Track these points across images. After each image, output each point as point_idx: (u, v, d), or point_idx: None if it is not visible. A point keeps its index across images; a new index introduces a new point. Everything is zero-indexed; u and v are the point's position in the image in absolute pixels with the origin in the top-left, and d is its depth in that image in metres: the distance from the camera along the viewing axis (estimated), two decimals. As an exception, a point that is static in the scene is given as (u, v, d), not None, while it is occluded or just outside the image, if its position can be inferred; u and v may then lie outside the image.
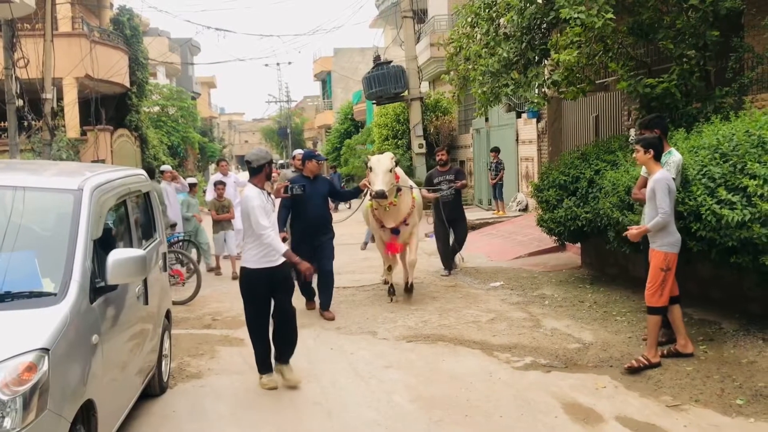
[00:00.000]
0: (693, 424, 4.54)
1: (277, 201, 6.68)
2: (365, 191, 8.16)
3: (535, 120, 14.93)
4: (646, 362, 5.56)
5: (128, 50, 23.74)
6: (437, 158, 10.12)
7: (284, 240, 6.90)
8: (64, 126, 19.13)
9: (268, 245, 5.35)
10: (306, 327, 6.99)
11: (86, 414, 3.36)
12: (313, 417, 4.97)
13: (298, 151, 9.94)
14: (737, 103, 7.59)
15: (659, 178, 5.49)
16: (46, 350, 2.98)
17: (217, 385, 5.77)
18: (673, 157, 5.89)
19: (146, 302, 4.72)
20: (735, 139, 5.70)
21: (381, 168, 7.74)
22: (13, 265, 3.45)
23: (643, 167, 5.98)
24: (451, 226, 9.93)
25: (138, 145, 24.95)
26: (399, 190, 8.05)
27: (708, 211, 5.47)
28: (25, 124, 14.65)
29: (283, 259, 5.50)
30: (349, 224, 9.81)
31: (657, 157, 5.68)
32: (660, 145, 5.77)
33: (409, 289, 8.47)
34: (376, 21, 38.06)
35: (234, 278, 10.16)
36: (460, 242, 10.17)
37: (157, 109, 31.80)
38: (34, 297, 3.31)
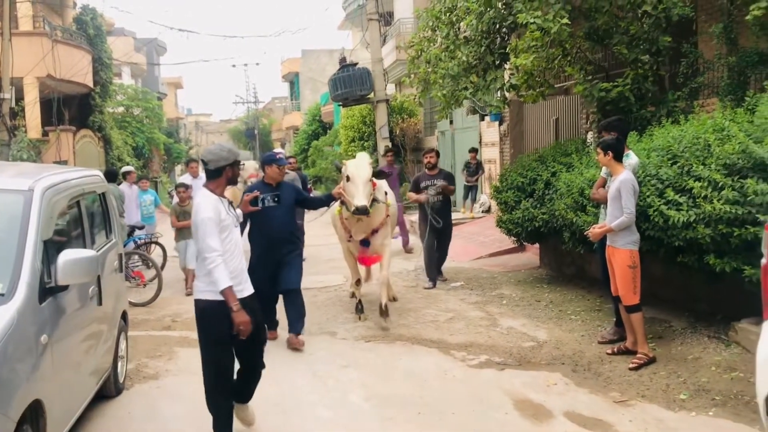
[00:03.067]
0: (638, 419, 4.68)
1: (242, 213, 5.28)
2: (338, 200, 7.05)
3: (497, 123, 15.12)
4: (645, 358, 5.69)
5: (91, 50, 23.42)
6: (425, 161, 9.47)
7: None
8: (24, 126, 18.81)
9: (210, 272, 4.11)
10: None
11: (34, 414, 3.36)
12: (268, 417, 5.00)
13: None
14: (689, 106, 7.82)
15: (624, 179, 5.63)
16: (-10, 350, 2.99)
17: (175, 387, 5.77)
18: (631, 159, 6.04)
19: (100, 303, 4.71)
20: (683, 142, 5.89)
21: (361, 177, 6.77)
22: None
23: (603, 168, 6.14)
24: (437, 238, 9.39)
25: (101, 146, 24.63)
26: (375, 200, 7.06)
27: (656, 212, 5.65)
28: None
29: (250, 289, 4.42)
30: (312, 226, 9.84)
31: (618, 158, 5.81)
32: (620, 147, 5.91)
33: (384, 311, 7.24)
34: (343, 23, 38.14)
35: (188, 294, 9.08)
36: (444, 251, 9.69)
37: (121, 109, 31.42)
38: (-18, 297, 3.31)
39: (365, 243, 7.36)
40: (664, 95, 8.25)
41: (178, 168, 43.71)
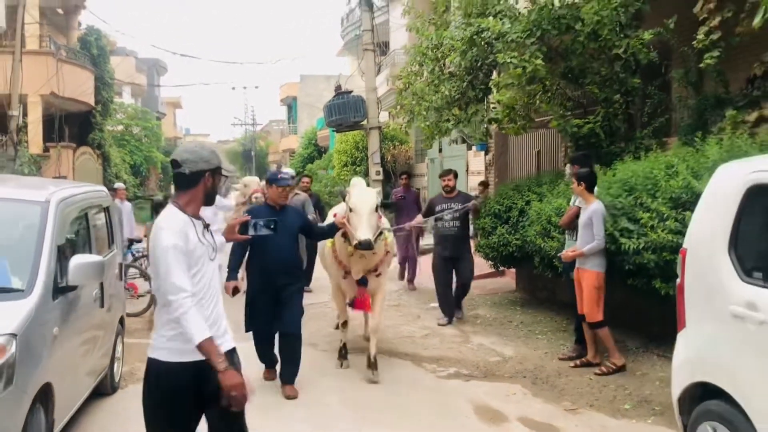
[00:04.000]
0: (583, 425, 5.19)
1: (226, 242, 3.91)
2: (340, 231, 6.19)
3: (483, 152, 15.73)
4: (613, 367, 6.25)
5: (95, 70, 24.12)
6: (443, 184, 8.74)
7: (236, 291, 5.70)
8: (26, 142, 19.38)
9: (179, 321, 2.96)
10: (248, 339, 6.07)
11: (45, 395, 3.86)
12: (250, 414, 5.47)
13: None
14: (656, 144, 8.43)
15: (596, 208, 6.24)
16: (14, 335, 3.50)
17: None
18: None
19: (102, 305, 5.24)
20: (638, 176, 6.47)
21: (366, 209, 5.93)
22: (-14, 265, 3.97)
23: (575, 198, 6.74)
24: (455, 266, 8.60)
25: (100, 163, 25.21)
26: (381, 233, 6.23)
27: (609, 238, 6.22)
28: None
29: (230, 342, 3.24)
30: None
31: (590, 189, 6.42)
32: (592, 179, 6.52)
33: (373, 363, 6.36)
34: (341, 50, 39.00)
35: None
36: (465, 284, 8.77)
37: (120, 128, 32.07)
38: (3, 292, 3.83)
39: (363, 281, 6.45)
40: (633, 132, 8.88)
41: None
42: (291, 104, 52.52)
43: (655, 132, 8.59)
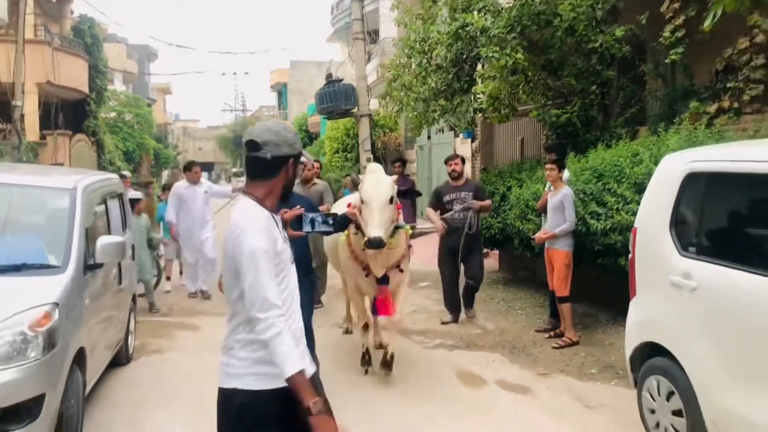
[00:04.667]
0: (553, 386, 5.81)
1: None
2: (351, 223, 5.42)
3: (470, 140, 16.29)
4: (569, 341, 6.85)
5: (88, 58, 24.46)
6: (449, 169, 7.93)
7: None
8: (24, 130, 19.77)
9: (269, 345, 2.46)
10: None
11: (80, 358, 4.42)
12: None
13: (311, 157, 8.25)
14: (629, 133, 9.01)
15: (567, 193, 6.84)
16: (56, 304, 4.05)
17: (175, 359, 6.83)
18: (564, 174, 7.24)
19: (120, 282, 5.80)
20: (607, 163, 7.06)
21: (379, 201, 5.22)
22: (25, 245, 4.51)
23: (548, 184, 7.32)
24: (464, 261, 7.88)
25: (95, 150, 25.61)
26: (398, 227, 5.55)
27: (580, 221, 6.81)
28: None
29: (311, 364, 2.65)
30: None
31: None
32: (562, 165, 7.15)
33: (389, 362, 5.99)
34: (331, 37, 39.36)
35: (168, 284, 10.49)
36: (476, 279, 8.01)
37: (113, 114, 32.41)
38: (43, 268, 4.38)
39: (383, 280, 5.72)
40: (608, 122, 9.46)
41: (165, 173, 44.60)
42: (281, 90, 52.82)
43: (628, 121, 9.15)
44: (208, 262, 9.83)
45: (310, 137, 38.15)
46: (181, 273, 10.87)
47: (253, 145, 2.62)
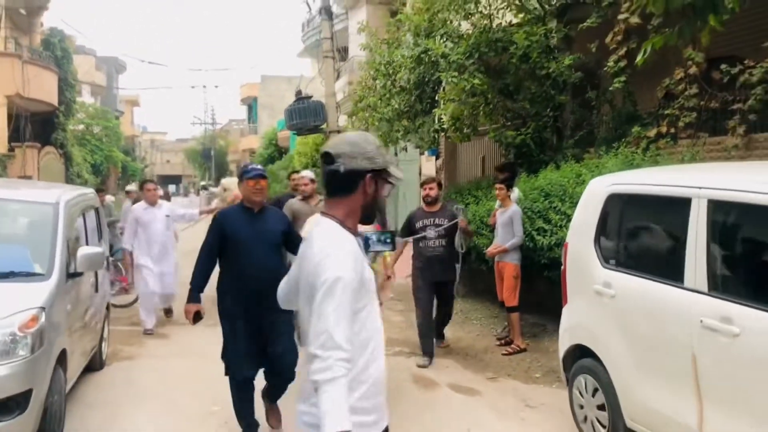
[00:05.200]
0: (500, 389, 6.32)
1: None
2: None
3: (434, 157, 16.88)
4: (517, 348, 7.35)
5: (58, 71, 24.62)
6: (423, 194, 7.29)
7: (198, 317, 4.73)
8: (-7, 142, 19.92)
9: (319, 389, 2.10)
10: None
11: (62, 358, 4.80)
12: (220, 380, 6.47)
13: (307, 173, 7.78)
14: (578, 154, 9.62)
15: (516, 210, 7.40)
16: (43, 308, 4.43)
17: (146, 365, 7.19)
18: (514, 193, 7.80)
19: (97, 290, 6.17)
20: (553, 183, 7.64)
21: None
22: (12, 254, 4.89)
23: (498, 201, 7.86)
24: (438, 292, 7.25)
25: (63, 162, 25.69)
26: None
27: (528, 237, 7.36)
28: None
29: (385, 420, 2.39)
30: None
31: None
32: (512, 185, 7.71)
33: None
34: (302, 52, 39.89)
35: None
36: (448, 313, 7.60)
37: (81, 127, 32.46)
38: (29, 276, 4.76)
39: None
40: (561, 143, 10.07)
41: (130, 186, 44.62)
42: (251, 104, 53.09)
43: (579, 143, 9.78)
44: (167, 296, 8.96)
45: (280, 152, 38.54)
46: (135, 301, 9.56)
47: (327, 158, 2.35)
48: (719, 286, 3.64)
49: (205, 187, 54.55)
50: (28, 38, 26.09)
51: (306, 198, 7.54)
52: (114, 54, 61.48)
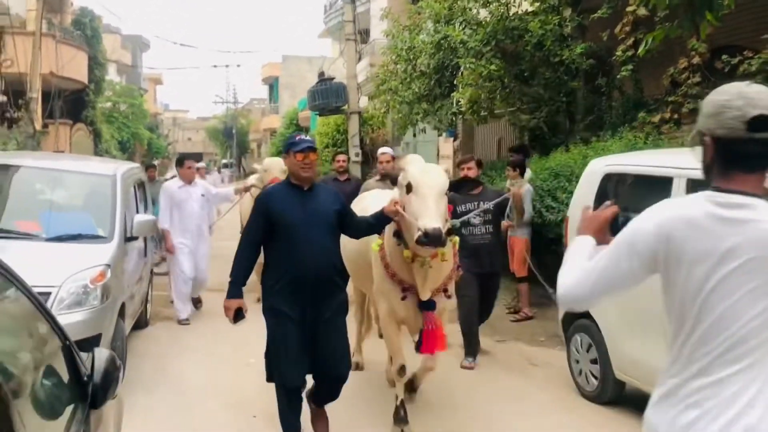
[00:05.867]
0: (507, 350, 6.98)
1: None
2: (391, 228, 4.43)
3: (452, 139, 17.43)
4: (525, 315, 8.00)
5: (88, 50, 25.39)
6: (462, 172, 6.30)
7: (240, 315, 4.13)
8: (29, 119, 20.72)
9: None
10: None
11: (122, 311, 5.52)
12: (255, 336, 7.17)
13: (387, 150, 7.41)
14: (589, 137, 10.16)
15: (528, 189, 7.97)
16: (108, 265, 5.14)
17: (185, 325, 7.91)
18: (526, 174, 8.38)
19: (145, 255, 6.89)
20: (562, 164, 8.21)
21: (434, 189, 4.14)
22: (78, 220, 5.61)
23: (509, 180, 8.45)
24: (484, 285, 6.39)
25: (92, 139, 26.56)
26: (451, 231, 4.52)
27: (537, 214, 7.96)
28: (7, 116, 16.33)
29: None
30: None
31: (522, 174, 8.16)
32: (524, 166, 8.27)
33: (414, 388, 5.12)
34: (324, 33, 40.38)
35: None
36: (488, 309, 6.86)
37: (109, 105, 33.30)
38: (94, 238, 5.46)
39: (428, 305, 4.48)
40: (573, 127, 10.61)
41: (156, 163, 45.57)
42: (273, 84, 53.64)
43: (589, 127, 10.31)
44: (198, 282, 8.23)
45: (300, 131, 39.21)
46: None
47: (759, 123, 1.81)
48: (693, 252, 4.23)
49: (226, 165, 55.43)
50: (59, 17, 26.84)
51: (384, 177, 6.38)
52: (138, 32, 62.20)
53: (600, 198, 5.21)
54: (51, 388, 2.10)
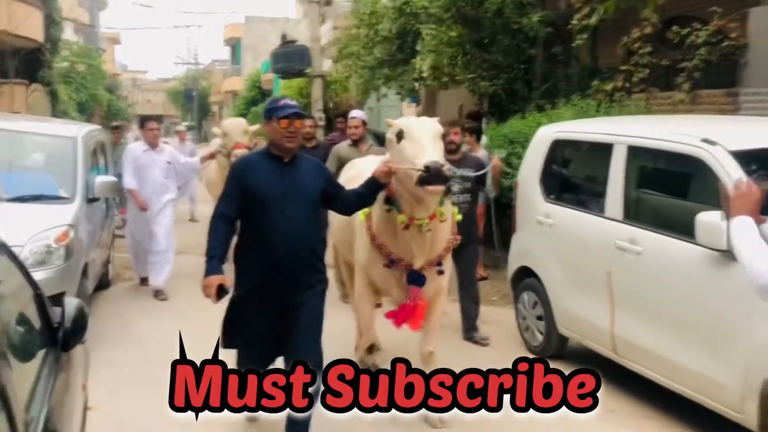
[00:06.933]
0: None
1: None
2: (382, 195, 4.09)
3: (414, 104, 17.59)
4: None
5: (43, 8, 24.70)
6: (447, 140, 5.26)
7: (223, 291, 3.65)
8: (-20, 78, 20.23)
9: None
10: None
11: (85, 271, 5.64)
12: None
13: (358, 113, 7.15)
14: (545, 104, 10.42)
15: (483, 155, 8.17)
16: (72, 225, 5.25)
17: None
18: (482, 140, 8.62)
19: (107, 216, 6.98)
20: (516, 131, 8.46)
21: (427, 132, 3.87)
22: (40, 181, 5.68)
23: (465, 146, 8.68)
24: (461, 255, 5.76)
25: (49, 100, 25.99)
26: (448, 191, 4.22)
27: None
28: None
29: None
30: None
31: (478, 140, 8.39)
32: (480, 132, 8.50)
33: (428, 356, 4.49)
34: (287, -6, 39.81)
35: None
36: (470, 278, 6.37)
37: (66, 65, 32.52)
38: (56, 199, 5.55)
39: (417, 279, 4.19)
40: (530, 93, 10.86)
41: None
42: (235, 45, 52.84)
43: (546, 94, 10.57)
44: (159, 255, 7.37)
45: (263, 94, 38.79)
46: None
47: None
48: (630, 214, 4.53)
49: (190, 128, 54.69)
50: (13, -27, 26.01)
51: (356, 142, 6.76)
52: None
53: (548, 163, 5.48)
54: (24, 334, 2.27)
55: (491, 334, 6.37)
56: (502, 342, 6.12)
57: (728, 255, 3.63)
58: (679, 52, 8.40)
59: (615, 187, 4.60)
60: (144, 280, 7.74)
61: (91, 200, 5.96)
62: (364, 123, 6.89)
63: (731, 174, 3.77)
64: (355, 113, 7.17)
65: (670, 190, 4.55)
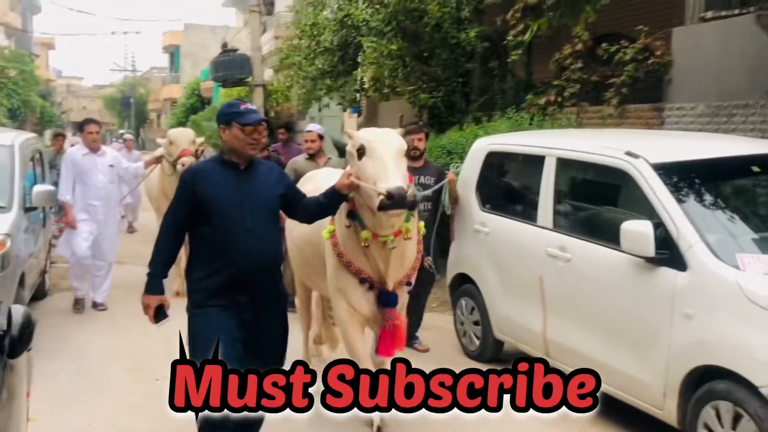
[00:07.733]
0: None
1: None
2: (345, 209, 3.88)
3: (356, 114, 17.77)
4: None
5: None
6: (411, 146, 5.41)
7: (162, 313, 3.50)
8: None
9: None
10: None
11: (22, 280, 5.56)
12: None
13: (314, 127, 6.98)
14: (482, 117, 10.72)
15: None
16: (8, 234, 5.18)
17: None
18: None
19: (44, 225, 6.87)
20: (454, 142, 8.71)
21: (390, 148, 3.67)
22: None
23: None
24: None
25: (-22, 105, 25.19)
26: (414, 206, 3.85)
27: (432, 188, 8.43)
28: None
29: None
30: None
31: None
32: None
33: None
34: (227, 2, 39.59)
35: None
36: (419, 307, 6.07)
37: (-4, 70, 31.52)
38: (-8, 208, 5.48)
39: (388, 300, 3.98)
40: (468, 106, 11.16)
41: (48, 132, 43.46)
42: (174, 53, 52.16)
43: (483, 107, 10.89)
44: (103, 269, 7.14)
45: (202, 102, 38.39)
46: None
47: None
48: (560, 223, 4.77)
49: (123, 137, 53.52)
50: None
51: (312, 156, 6.71)
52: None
53: (483, 174, 5.70)
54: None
55: (430, 340, 6.53)
56: (440, 347, 6.28)
57: (652, 261, 3.89)
58: (608, 68, 8.82)
59: (546, 198, 4.84)
60: (78, 302, 7.21)
61: (28, 209, 5.88)
62: (320, 137, 6.81)
63: (653, 186, 4.04)
64: (312, 127, 7.04)
65: (598, 200, 4.83)
